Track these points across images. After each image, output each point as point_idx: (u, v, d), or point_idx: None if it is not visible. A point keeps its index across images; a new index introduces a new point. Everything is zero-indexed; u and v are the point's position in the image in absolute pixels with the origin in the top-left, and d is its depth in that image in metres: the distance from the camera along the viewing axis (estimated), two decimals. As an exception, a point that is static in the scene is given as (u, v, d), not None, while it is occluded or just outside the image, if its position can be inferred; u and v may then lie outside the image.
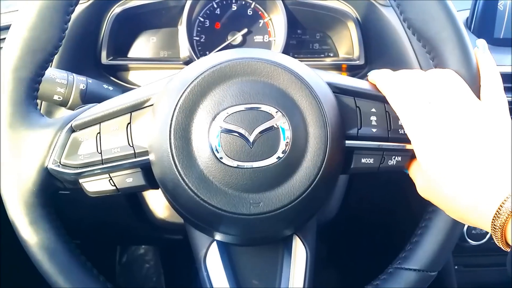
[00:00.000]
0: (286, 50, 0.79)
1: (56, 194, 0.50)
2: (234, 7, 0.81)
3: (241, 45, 0.82)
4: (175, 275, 1.25)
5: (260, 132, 0.44)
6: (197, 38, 0.81)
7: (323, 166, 0.45)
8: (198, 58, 0.79)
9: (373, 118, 0.49)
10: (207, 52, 0.81)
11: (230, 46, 0.82)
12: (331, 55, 0.85)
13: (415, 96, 0.45)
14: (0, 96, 0.46)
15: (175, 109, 0.44)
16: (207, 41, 0.81)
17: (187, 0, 0.76)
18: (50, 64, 0.64)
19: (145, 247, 1.26)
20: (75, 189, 0.50)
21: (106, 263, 1.24)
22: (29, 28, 0.46)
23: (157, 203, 0.77)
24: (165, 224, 0.77)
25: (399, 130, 0.49)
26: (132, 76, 0.80)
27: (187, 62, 0.79)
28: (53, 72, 0.59)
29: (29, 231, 0.47)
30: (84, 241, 1.00)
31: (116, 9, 0.75)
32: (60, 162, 0.47)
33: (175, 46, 0.82)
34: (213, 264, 0.53)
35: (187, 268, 1.17)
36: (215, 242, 0.53)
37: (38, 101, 0.54)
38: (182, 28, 0.78)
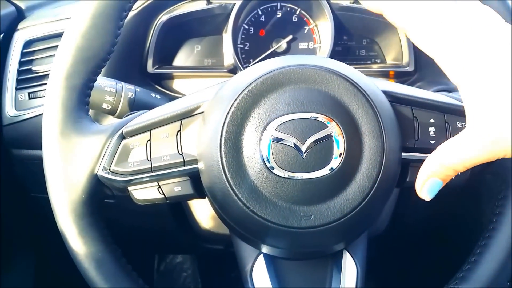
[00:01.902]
0: (331, 57, 0.78)
1: (105, 204, 0.50)
2: (279, 14, 0.80)
3: (285, 52, 0.81)
4: (213, 284, 1.24)
5: (313, 142, 0.43)
6: (241, 46, 0.80)
7: (379, 179, 0.43)
8: (242, 65, 0.78)
9: (432, 129, 0.47)
10: (251, 60, 0.81)
11: (274, 53, 0.81)
12: (378, 61, 0.83)
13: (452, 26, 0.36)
14: (52, 103, 0.46)
15: (226, 117, 0.43)
16: (251, 48, 0.81)
17: (233, 7, 0.75)
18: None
19: (183, 256, 1.26)
20: (123, 197, 0.50)
21: (144, 271, 1.25)
22: (82, 36, 0.46)
23: (201, 212, 0.76)
24: (208, 234, 0.76)
25: None
26: (176, 84, 0.81)
27: (232, 70, 0.78)
28: (102, 81, 0.59)
29: (78, 241, 0.47)
30: (124, 248, 1.01)
31: (163, 17, 0.75)
32: (110, 169, 0.47)
33: (219, 54, 0.81)
34: (260, 277, 0.51)
35: (225, 278, 1.17)
36: (262, 255, 0.51)
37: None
38: (227, 35, 0.77)
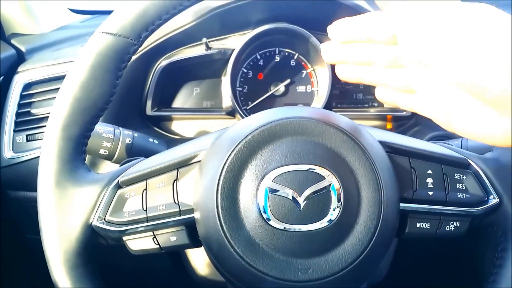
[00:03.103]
0: (329, 101, 0.79)
1: (99, 251, 0.49)
2: (277, 58, 0.81)
3: (283, 95, 0.82)
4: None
5: (310, 194, 0.42)
6: (240, 89, 0.81)
7: (377, 231, 0.43)
8: (240, 108, 0.79)
9: (429, 180, 0.46)
10: (250, 102, 0.81)
11: (272, 97, 0.81)
12: (376, 105, 0.83)
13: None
14: (49, 153, 0.46)
15: (223, 168, 0.43)
16: (249, 91, 0.81)
17: (231, 53, 0.76)
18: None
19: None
20: (117, 247, 0.49)
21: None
22: (80, 86, 0.46)
23: (198, 258, 0.75)
24: (204, 280, 0.75)
25: (458, 194, 0.46)
26: (175, 126, 0.81)
27: (230, 112, 0.79)
28: (99, 127, 0.60)
29: None
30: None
31: (163, 62, 0.76)
32: (105, 219, 0.47)
33: (218, 96, 0.82)
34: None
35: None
36: (259, 307, 0.50)
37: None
38: (225, 79, 0.78)
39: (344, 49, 0.42)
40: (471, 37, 0.33)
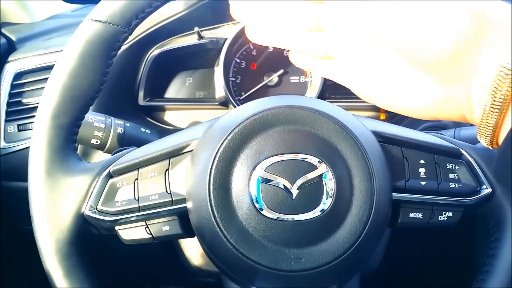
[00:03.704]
0: (322, 91, 0.78)
1: (91, 241, 0.49)
2: (271, 48, 0.81)
3: (277, 85, 0.81)
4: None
5: (302, 184, 0.42)
6: (233, 79, 0.81)
7: (370, 220, 0.43)
8: (233, 98, 0.78)
9: (422, 170, 0.46)
10: (243, 93, 0.81)
11: (266, 87, 0.81)
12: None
13: None
14: (39, 142, 0.46)
15: (215, 157, 0.43)
16: (243, 81, 0.81)
17: (224, 42, 0.76)
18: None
19: (175, 287, 1.24)
20: (110, 236, 0.49)
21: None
22: (70, 74, 0.46)
23: (191, 247, 0.75)
24: (198, 268, 0.75)
25: (450, 183, 0.46)
26: (168, 116, 0.80)
27: (223, 102, 0.78)
28: (91, 116, 0.59)
29: (63, 282, 0.45)
30: (115, 279, 0.99)
31: (155, 51, 0.75)
32: (96, 208, 0.46)
33: (211, 87, 0.81)
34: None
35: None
36: (251, 296, 0.50)
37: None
38: (218, 69, 0.78)
39: (259, 6, 0.36)
40: None
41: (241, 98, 0.81)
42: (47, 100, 0.46)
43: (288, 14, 0.35)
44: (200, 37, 0.75)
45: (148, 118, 0.80)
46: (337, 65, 0.37)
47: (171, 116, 0.81)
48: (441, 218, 0.47)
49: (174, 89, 0.81)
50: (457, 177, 0.47)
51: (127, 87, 0.76)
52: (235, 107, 0.77)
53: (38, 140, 0.46)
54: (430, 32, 0.30)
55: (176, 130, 0.76)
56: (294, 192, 0.42)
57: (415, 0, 0.30)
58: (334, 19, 0.33)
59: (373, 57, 0.34)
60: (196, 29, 0.74)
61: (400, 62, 0.33)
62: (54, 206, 0.46)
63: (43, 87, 0.74)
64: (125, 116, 0.66)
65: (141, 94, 0.76)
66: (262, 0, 0.36)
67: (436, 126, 0.68)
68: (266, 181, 0.42)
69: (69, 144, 0.47)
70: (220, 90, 0.79)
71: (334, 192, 0.42)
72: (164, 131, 0.76)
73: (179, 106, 0.80)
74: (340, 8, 0.32)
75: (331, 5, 0.33)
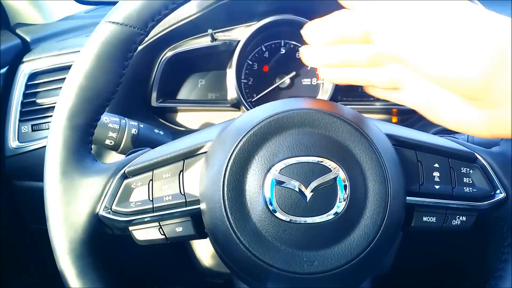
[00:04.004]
0: (334, 94, 0.78)
1: (105, 241, 0.49)
2: (283, 51, 0.81)
3: (289, 88, 0.81)
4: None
5: (316, 186, 0.42)
6: (245, 81, 0.81)
7: (383, 224, 0.43)
8: (245, 100, 0.79)
9: (436, 174, 0.46)
10: (255, 95, 0.81)
11: (277, 89, 0.81)
12: (381, 98, 0.83)
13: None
14: (55, 143, 0.46)
15: (229, 159, 0.43)
16: (255, 83, 0.81)
17: (237, 44, 0.76)
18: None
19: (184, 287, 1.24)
20: (122, 236, 0.49)
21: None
22: (86, 76, 0.46)
23: (202, 248, 0.75)
24: (208, 269, 0.75)
25: (464, 188, 0.46)
26: (180, 117, 0.81)
27: (235, 104, 0.79)
28: (105, 117, 0.59)
29: (76, 282, 0.46)
30: (125, 280, 0.99)
31: (168, 53, 0.76)
32: (111, 209, 0.47)
33: (223, 88, 0.82)
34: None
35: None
36: (263, 298, 0.50)
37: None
38: (231, 71, 0.78)
39: (323, 52, 0.41)
40: (443, 31, 0.33)
41: (253, 100, 0.81)
42: (64, 101, 0.46)
43: (348, 55, 0.40)
44: (213, 39, 0.75)
45: (161, 119, 0.80)
46: (403, 93, 0.41)
47: (183, 118, 0.81)
48: (454, 222, 0.46)
49: (187, 91, 0.82)
50: (471, 181, 0.47)
51: (141, 88, 0.76)
52: (247, 109, 0.77)
53: (54, 140, 0.46)
54: (458, 65, 0.33)
55: (188, 131, 0.77)
56: (308, 194, 0.42)
57: (442, 41, 0.33)
58: (384, 57, 0.38)
59: (427, 85, 0.38)
60: (210, 31, 0.74)
61: (446, 92, 0.36)
62: (69, 206, 0.46)
63: (57, 88, 0.76)
64: (138, 117, 0.67)
65: (154, 95, 0.76)
66: (329, 47, 0.41)
67: (450, 130, 0.68)
68: (280, 183, 0.42)
69: (85, 144, 0.48)
70: (232, 92, 0.79)
71: (348, 195, 0.42)
72: (177, 133, 0.76)
73: (191, 107, 0.80)
74: (387, 44, 0.36)
75: (379, 44, 0.37)
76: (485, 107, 0.35)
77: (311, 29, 0.41)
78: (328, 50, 0.41)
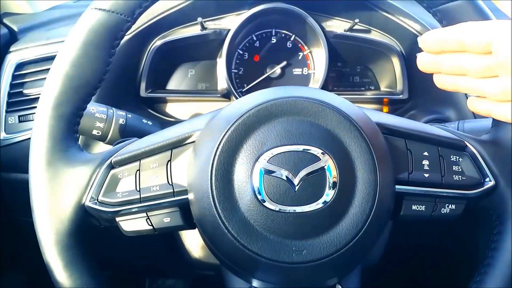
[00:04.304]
0: (325, 83, 0.78)
1: (91, 232, 0.48)
2: (274, 40, 0.80)
3: (279, 77, 0.81)
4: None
5: (305, 175, 0.42)
6: (236, 71, 0.80)
7: (372, 213, 0.42)
8: (236, 90, 0.78)
9: (426, 162, 0.46)
10: (245, 85, 0.80)
11: (268, 79, 0.81)
12: (372, 88, 0.83)
13: None
14: (40, 132, 0.45)
15: (217, 148, 0.43)
16: (245, 73, 0.80)
17: (227, 33, 0.75)
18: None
19: (175, 278, 1.24)
20: (110, 227, 0.48)
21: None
22: (72, 64, 0.45)
23: (192, 240, 0.75)
24: (198, 261, 0.75)
25: (454, 176, 0.46)
26: (169, 108, 0.80)
27: (225, 94, 0.78)
28: (92, 107, 0.59)
29: (63, 273, 0.45)
30: (115, 271, 0.99)
31: (157, 42, 0.75)
32: (97, 200, 0.46)
33: (213, 79, 0.81)
34: (250, 311, 0.50)
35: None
36: (252, 288, 0.50)
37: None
38: (221, 60, 0.77)
39: (438, 60, 0.43)
40: None
41: (243, 90, 0.80)
42: (49, 90, 0.46)
43: (463, 65, 0.41)
44: (203, 28, 0.75)
45: (150, 110, 0.79)
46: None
47: (173, 108, 0.80)
48: (444, 210, 0.46)
49: (176, 81, 0.81)
50: (460, 170, 0.47)
51: (129, 78, 0.75)
52: (237, 99, 0.76)
53: (39, 129, 0.45)
54: None
55: (177, 122, 0.76)
56: (297, 183, 0.42)
57: None
58: (503, 69, 0.38)
59: None
60: (199, 19, 0.73)
61: None
62: (54, 197, 0.46)
63: (44, 78, 0.73)
64: (127, 107, 0.66)
65: (143, 85, 0.76)
66: (445, 55, 0.42)
67: (440, 119, 0.68)
68: (269, 172, 0.42)
69: (71, 134, 0.47)
70: (222, 82, 0.79)
71: (337, 184, 0.42)
72: (166, 123, 0.75)
73: (181, 98, 0.79)
74: (505, 62, 0.37)
75: (500, 55, 0.37)
76: None
77: (429, 37, 0.42)
78: (442, 58, 0.42)
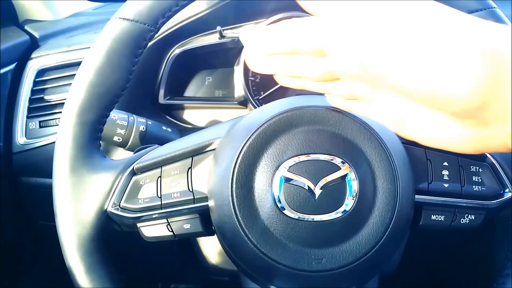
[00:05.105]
0: (342, 92, 0.78)
1: (113, 238, 0.49)
2: (291, 48, 0.80)
3: (296, 86, 0.81)
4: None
5: (325, 184, 0.42)
6: (252, 78, 0.81)
7: (392, 222, 0.43)
8: (253, 98, 0.79)
9: (445, 172, 0.46)
10: (262, 92, 0.81)
11: (284, 87, 0.81)
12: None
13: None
14: (64, 139, 0.46)
15: (238, 156, 0.43)
16: (262, 81, 0.81)
17: (245, 41, 0.76)
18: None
19: (187, 285, 1.24)
20: (131, 233, 0.49)
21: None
22: (96, 72, 0.46)
23: (209, 246, 0.75)
24: (214, 267, 0.75)
25: (473, 186, 0.46)
26: (187, 115, 0.81)
27: (242, 102, 0.79)
28: (113, 114, 0.60)
29: (85, 278, 0.46)
30: (130, 276, 0.99)
31: (176, 50, 0.76)
32: (119, 205, 0.47)
33: (230, 86, 0.82)
34: (268, 318, 0.50)
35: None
36: (270, 296, 0.50)
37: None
38: (238, 68, 0.78)
39: (270, 62, 0.36)
40: (427, 43, 0.27)
41: (260, 97, 0.81)
42: (73, 97, 0.47)
43: (298, 69, 0.35)
44: (222, 36, 0.75)
45: (167, 117, 0.80)
46: (366, 105, 0.37)
47: (190, 115, 0.81)
48: (463, 221, 0.46)
49: (194, 88, 0.82)
50: (480, 180, 0.47)
51: (148, 85, 0.76)
52: (254, 106, 0.77)
53: (63, 136, 0.46)
54: (447, 83, 0.27)
55: (195, 129, 0.77)
56: (317, 192, 0.42)
57: (422, 52, 0.27)
58: (342, 74, 0.33)
59: (394, 102, 0.33)
60: (218, 28, 0.74)
61: (422, 109, 0.31)
62: (77, 202, 0.46)
63: (66, 84, 0.76)
64: (145, 114, 0.67)
65: (161, 92, 0.76)
66: (277, 57, 0.35)
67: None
68: (289, 180, 0.42)
69: (94, 141, 0.48)
70: (239, 89, 0.79)
71: (357, 193, 0.42)
72: (184, 130, 0.76)
73: (198, 104, 0.80)
74: (345, 62, 0.31)
75: (336, 60, 0.32)
76: (475, 125, 0.30)
77: (255, 37, 0.36)
78: (276, 61, 0.36)
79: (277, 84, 0.79)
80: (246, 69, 0.78)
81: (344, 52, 0.30)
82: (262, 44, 0.35)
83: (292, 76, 0.37)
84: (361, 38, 0.29)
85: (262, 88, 0.81)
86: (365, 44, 0.29)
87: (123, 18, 0.46)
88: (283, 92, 0.81)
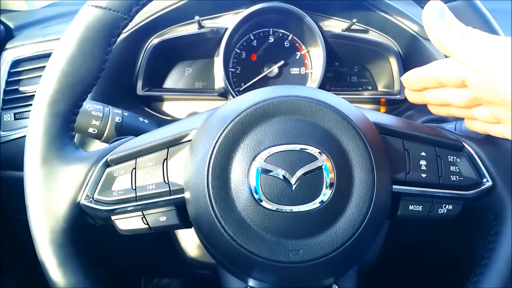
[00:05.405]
0: (323, 83, 0.78)
1: (87, 231, 0.48)
2: (271, 39, 0.80)
3: (277, 77, 0.81)
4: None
5: (302, 175, 0.42)
6: (233, 70, 0.80)
7: (369, 213, 0.42)
8: (233, 89, 0.78)
9: (423, 162, 0.46)
10: (242, 84, 0.80)
11: (266, 78, 0.80)
12: (369, 88, 0.83)
13: None
14: (35, 129, 0.45)
15: (214, 147, 0.42)
16: (242, 72, 0.80)
17: (225, 32, 0.75)
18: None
19: (170, 278, 1.24)
20: (106, 226, 0.48)
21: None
22: (68, 61, 0.45)
23: (187, 239, 0.74)
24: (194, 260, 0.75)
25: (451, 176, 0.46)
26: (166, 106, 0.80)
27: (222, 93, 0.78)
28: (88, 105, 0.58)
29: (57, 272, 0.45)
30: (111, 271, 0.98)
31: (154, 40, 0.75)
32: (93, 198, 0.46)
33: (210, 77, 0.81)
34: (246, 311, 0.49)
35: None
36: (248, 288, 0.50)
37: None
38: (218, 59, 0.77)
39: (424, 95, 0.47)
40: None
41: (240, 89, 0.80)
42: (45, 87, 0.45)
43: (445, 99, 0.46)
44: (201, 27, 0.74)
45: (146, 108, 0.79)
46: (506, 128, 0.43)
47: (170, 107, 0.80)
48: (441, 211, 0.46)
49: (173, 79, 0.81)
50: (458, 170, 0.47)
51: (126, 76, 0.75)
52: (234, 98, 0.76)
53: (34, 127, 0.45)
54: None
55: (174, 120, 0.75)
56: (294, 183, 0.42)
57: None
58: (482, 100, 0.41)
59: None
60: (197, 18, 0.73)
61: None
62: (49, 195, 0.45)
63: (40, 75, 0.73)
64: (123, 105, 0.65)
65: (139, 83, 0.75)
66: (429, 91, 0.47)
67: (437, 119, 0.68)
68: (266, 171, 0.42)
69: (66, 132, 0.47)
70: (219, 81, 0.78)
71: (334, 184, 0.42)
72: (163, 122, 0.75)
73: (178, 96, 0.79)
74: (481, 95, 0.40)
75: (474, 91, 0.41)
76: None
77: (409, 77, 0.47)
78: (428, 94, 0.47)
79: (258, 75, 0.80)
80: (226, 60, 0.77)
81: (481, 83, 0.39)
82: (416, 81, 0.47)
83: (441, 105, 0.47)
84: (493, 71, 0.35)
85: (243, 79, 0.80)
86: (497, 76, 0.35)
87: (96, 6, 0.45)
88: (264, 83, 0.81)
